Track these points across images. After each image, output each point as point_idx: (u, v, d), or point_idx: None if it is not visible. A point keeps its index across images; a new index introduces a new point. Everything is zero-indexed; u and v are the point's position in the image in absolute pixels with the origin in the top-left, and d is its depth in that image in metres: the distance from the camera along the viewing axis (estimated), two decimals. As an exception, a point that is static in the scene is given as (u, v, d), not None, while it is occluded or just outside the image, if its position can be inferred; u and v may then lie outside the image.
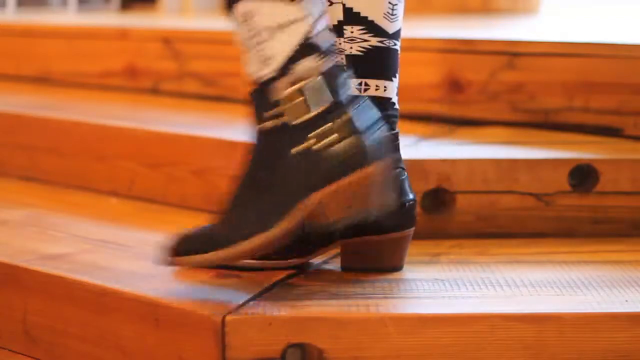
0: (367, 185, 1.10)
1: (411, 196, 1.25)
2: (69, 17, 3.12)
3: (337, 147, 1.11)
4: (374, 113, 1.15)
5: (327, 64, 1.13)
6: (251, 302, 1.15)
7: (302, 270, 1.27)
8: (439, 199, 1.45)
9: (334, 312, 1.13)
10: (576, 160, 1.46)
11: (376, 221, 1.22)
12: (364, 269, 1.26)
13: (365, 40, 1.23)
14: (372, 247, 1.25)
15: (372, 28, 1.23)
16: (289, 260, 1.26)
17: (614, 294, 1.18)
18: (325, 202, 1.11)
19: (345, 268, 1.27)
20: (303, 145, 1.12)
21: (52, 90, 2.29)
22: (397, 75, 1.26)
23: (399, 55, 1.27)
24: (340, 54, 1.23)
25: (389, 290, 1.20)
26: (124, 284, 1.22)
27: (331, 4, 1.23)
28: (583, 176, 1.46)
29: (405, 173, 1.25)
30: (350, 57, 1.24)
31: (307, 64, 1.13)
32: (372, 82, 1.24)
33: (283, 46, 1.13)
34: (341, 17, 1.24)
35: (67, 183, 1.80)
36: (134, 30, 2.25)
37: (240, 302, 1.15)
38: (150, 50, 2.17)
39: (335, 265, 1.30)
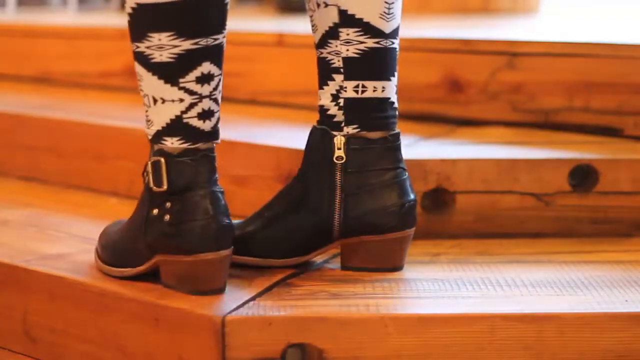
0: (192, 270, 1.18)
1: (412, 196, 1.25)
2: (69, 17, 3.12)
3: (179, 227, 1.17)
4: (214, 205, 1.17)
5: (183, 150, 1.18)
6: (251, 302, 1.15)
7: (302, 270, 1.27)
8: (439, 199, 1.45)
9: (334, 312, 1.13)
10: (576, 160, 1.46)
11: (376, 221, 1.22)
12: (364, 268, 1.26)
13: (362, 42, 1.23)
14: (372, 247, 1.25)
15: (369, 29, 1.22)
16: (290, 260, 1.26)
17: (614, 294, 1.18)
18: (162, 267, 1.20)
19: (345, 268, 1.27)
20: (159, 210, 1.19)
21: (52, 90, 2.29)
22: (395, 73, 1.26)
23: (398, 53, 1.26)
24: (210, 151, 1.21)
25: (389, 290, 1.20)
26: (124, 284, 1.22)
27: (326, 5, 1.23)
28: (583, 176, 1.46)
29: (406, 173, 1.25)
30: (346, 60, 1.23)
31: (167, 143, 1.19)
32: (370, 84, 1.24)
33: (158, 118, 1.19)
34: (336, 20, 1.23)
35: (67, 183, 1.80)
36: (134, 30, 2.24)
37: (240, 302, 1.15)
38: (150, 50, 2.16)
39: (335, 265, 1.30)
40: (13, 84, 2.41)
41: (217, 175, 1.20)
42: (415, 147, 1.55)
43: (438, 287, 1.22)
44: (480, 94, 1.73)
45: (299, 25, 2.31)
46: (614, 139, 1.61)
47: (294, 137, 1.48)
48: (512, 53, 1.71)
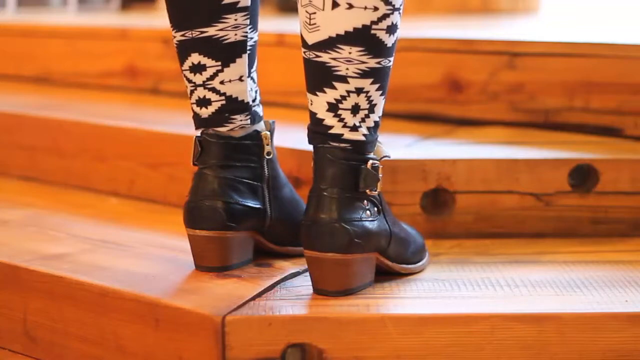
0: (191, 244, 1.26)
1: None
2: (69, 17, 3.13)
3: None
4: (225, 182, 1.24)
5: (206, 133, 1.26)
6: (251, 302, 1.15)
7: (302, 270, 1.27)
8: (439, 199, 1.45)
9: (334, 312, 1.13)
10: (576, 160, 1.46)
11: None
12: None
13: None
14: None
15: (302, 39, 1.17)
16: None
17: (614, 294, 1.18)
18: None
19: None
20: None
21: (52, 90, 2.29)
22: (324, 90, 1.15)
23: (333, 68, 1.14)
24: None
25: (389, 290, 1.20)
26: (124, 284, 1.22)
27: None
28: (583, 176, 1.46)
29: None
30: None
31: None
32: (308, 95, 1.19)
33: None
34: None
35: (67, 183, 1.80)
36: (134, 30, 2.25)
37: (240, 302, 1.15)
38: (150, 50, 2.17)
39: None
40: (13, 84, 2.42)
41: (236, 163, 1.24)
42: (415, 147, 1.55)
43: (438, 287, 1.22)
44: (480, 94, 1.73)
45: (299, 25, 2.31)
46: (614, 139, 1.61)
47: (294, 137, 1.48)
48: (512, 53, 1.71)
